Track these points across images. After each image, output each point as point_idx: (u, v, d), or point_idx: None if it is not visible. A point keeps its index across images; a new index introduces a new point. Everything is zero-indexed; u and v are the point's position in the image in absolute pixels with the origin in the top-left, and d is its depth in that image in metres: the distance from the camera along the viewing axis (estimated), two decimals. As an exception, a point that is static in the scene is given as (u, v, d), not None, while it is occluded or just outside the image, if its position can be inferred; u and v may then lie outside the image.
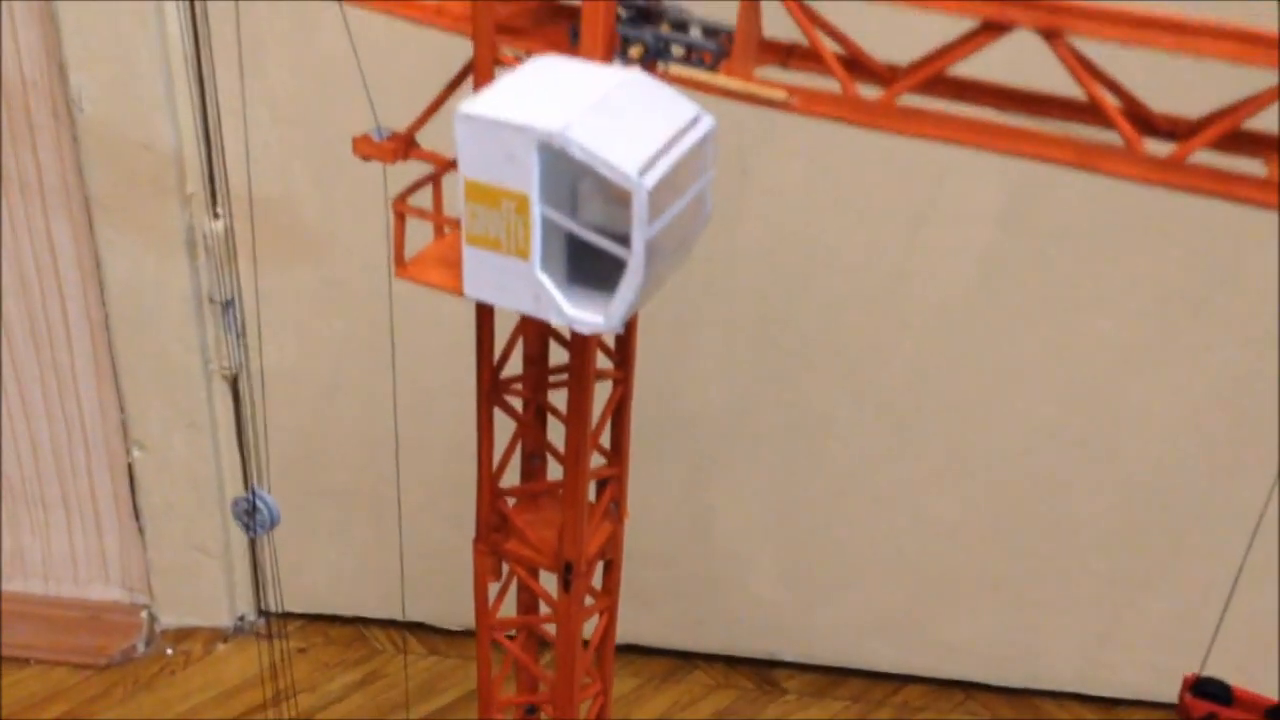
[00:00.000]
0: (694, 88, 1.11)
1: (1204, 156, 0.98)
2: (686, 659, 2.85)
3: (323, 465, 2.68)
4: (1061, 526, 2.58)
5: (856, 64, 1.08)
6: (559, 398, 1.40)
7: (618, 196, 1.02)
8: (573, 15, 1.15)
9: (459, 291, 1.13)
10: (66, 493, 2.78)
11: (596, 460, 1.43)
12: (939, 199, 2.26)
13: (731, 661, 2.85)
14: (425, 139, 1.31)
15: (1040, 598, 2.67)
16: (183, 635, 2.87)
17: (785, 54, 1.13)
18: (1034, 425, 2.47)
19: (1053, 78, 1.01)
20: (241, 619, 2.89)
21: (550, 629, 1.52)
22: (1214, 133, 0.97)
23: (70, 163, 2.40)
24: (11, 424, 2.69)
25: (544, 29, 1.17)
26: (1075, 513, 2.56)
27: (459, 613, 2.74)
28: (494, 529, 1.47)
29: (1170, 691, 2.66)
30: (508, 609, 1.57)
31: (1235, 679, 2.58)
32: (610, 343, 1.39)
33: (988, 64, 1.03)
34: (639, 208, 1.00)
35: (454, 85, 1.25)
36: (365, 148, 1.30)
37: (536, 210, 1.04)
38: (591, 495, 1.44)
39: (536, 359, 1.42)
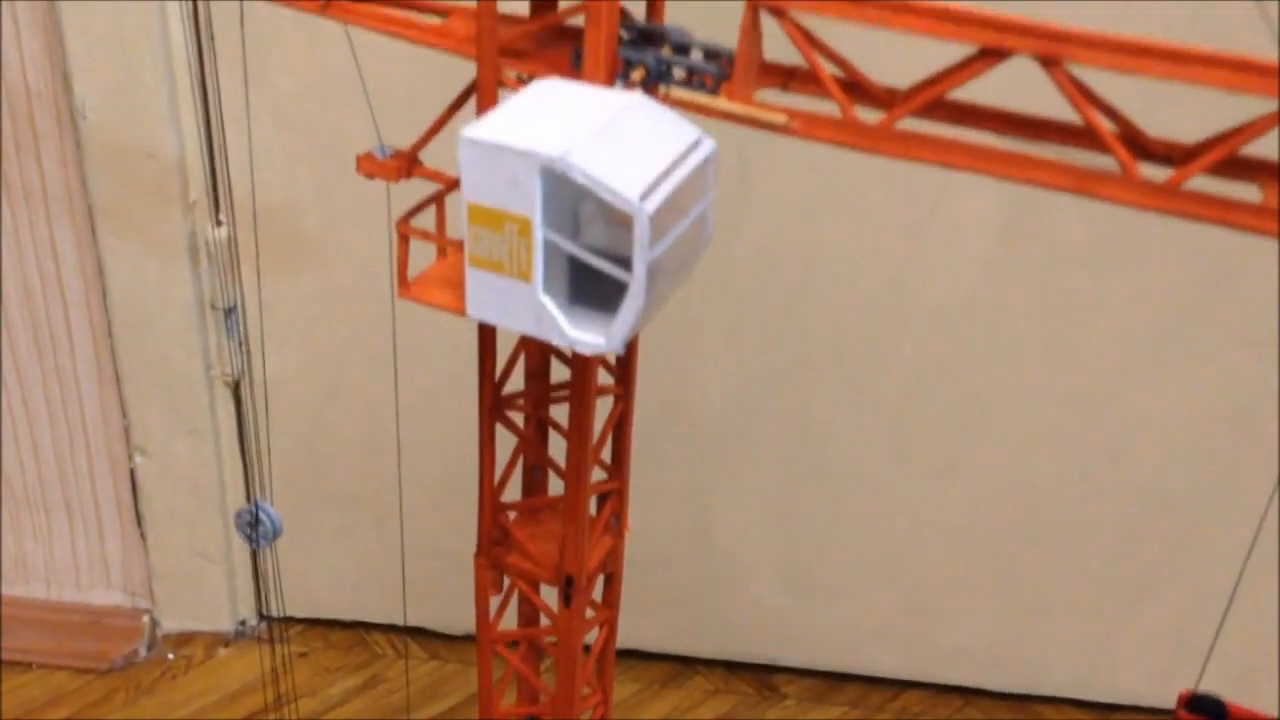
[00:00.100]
0: (695, 111, 1.11)
1: (1200, 182, 0.99)
2: (686, 664, 2.86)
3: (324, 470, 2.69)
4: (1060, 533, 2.58)
5: (856, 87, 1.09)
6: (560, 412, 1.41)
7: (620, 219, 1.03)
8: (575, 37, 1.15)
9: (462, 312, 1.14)
10: (69, 497, 2.79)
11: (597, 474, 1.44)
12: (940, 206, 2.26)
13: (731, 666, 2.86)
14: (428, 156, 1.32)
15: (1039, 604, 2.68)
16: (184, 640, 2.88)
17: (786, 77, 1.13)
18: (1033, 431, 2.48)
19: (1052, 102, 1.02)
20: (243, 624, 2.90)
21: (551, 640, 1.53)
22: (1210, 159, 0.98)
23: (74, 170, 2.41)
24: (14, 429, 2.70)
25: (546, 51, 1.18)
26: (1074, 519, 2.56)
27: (460, 618, 2.75)
28: (495, 542, 1.48)
29: (1168, 698, 2.68)
30: (509, 619, 1.58)
31: (1234, 686, 2.59)
32: (611, 359, 1.40)
33: (986, 88, 1.04)
34: (640, 232, 1.01)
35: (456, 105, 1.26)
36: (368, 166, 1.31)
37: (539, 233, 1.05)
38: (592, 509, 1.45)
39: (538, 374, 1.43)
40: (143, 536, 2.79)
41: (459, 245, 1.12)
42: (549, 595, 1.49)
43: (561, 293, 1.09)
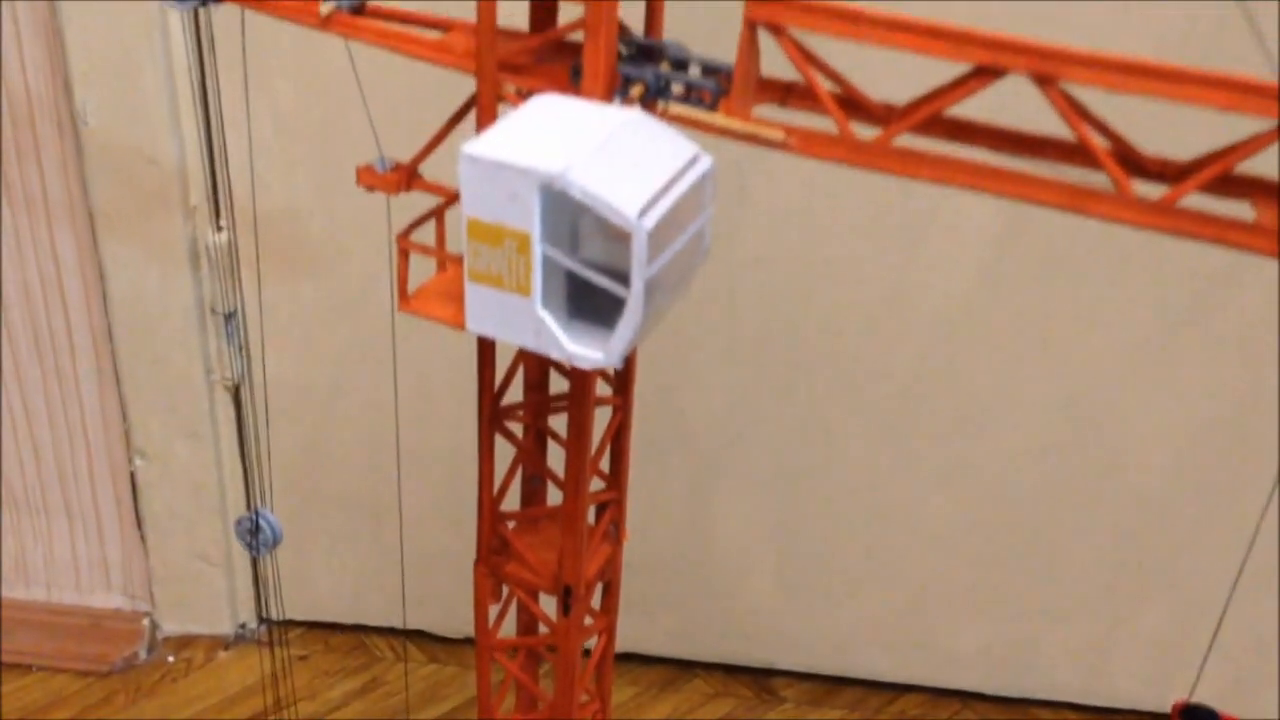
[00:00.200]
0: (693, 126, 1.12)
1: (1194, 199, 1.00)
2: (685, 667, 2.87)
3: (324, 474, 2.70)
4: (1058, 538, 2.59)
5: (853, 103, 1.10)
6: (559, 422, 1.42)
7: (618, 235, 1.03)
8: (574, 52, 1.16)
9: (461, 326, 1.14)
10: (69, 500, 2.80)
11: (596, 484, 1.45)
12: (938, 212, 2.27)
13: (730, 670, 2.86)
14: (428, 168, 1.33)
15: (1036, 608, 2.69)
16: (184, 642, 2.88)
17: (783, 92, 1.14)
18: (1031, 437, 2.49)
19: (1048, 118, 1.03)
20: (243, 626, 2.91)
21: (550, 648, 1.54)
22: (1204, 177, 0.98)
23: (74, 175, 2.41)
24: (15, 432, 2.71)
25: (545, 66, 1.19)
26: (1072, 524, 2.57)
27: (459, 621, 2.76)
28: (494, 552, 1.49)
29: (1165, 702, 2.69)
30: (508, 625, 1.59)
31: (1231, 690, 2.60)
32: (610, 370, 1.41)
33: (984, 104, 1.04)
34: (638, 248, 1.01)
35: (456, 119, 1.26)
36: (368, 178, 1.31)
37: (538, 249, 1.05)
38: (590, 518, 1.46)
39: (537, 385, 1.43)
40: (143, 539, 2.80)
41: (458, 259, 1.13)
42: (548, 603, 1.50)
43: (560, 307, 1.10)
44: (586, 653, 1.58)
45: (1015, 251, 2.29)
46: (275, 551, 2.03)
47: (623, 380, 1.42)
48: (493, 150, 1.04)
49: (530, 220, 1.04)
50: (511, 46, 1.18)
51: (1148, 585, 2.61)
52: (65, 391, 2.66)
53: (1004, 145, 1.09)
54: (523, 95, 1.17)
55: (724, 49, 1.14)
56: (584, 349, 1.09)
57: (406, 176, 1.30)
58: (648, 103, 1.14)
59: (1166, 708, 2.67)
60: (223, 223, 2.37)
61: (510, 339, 1.13)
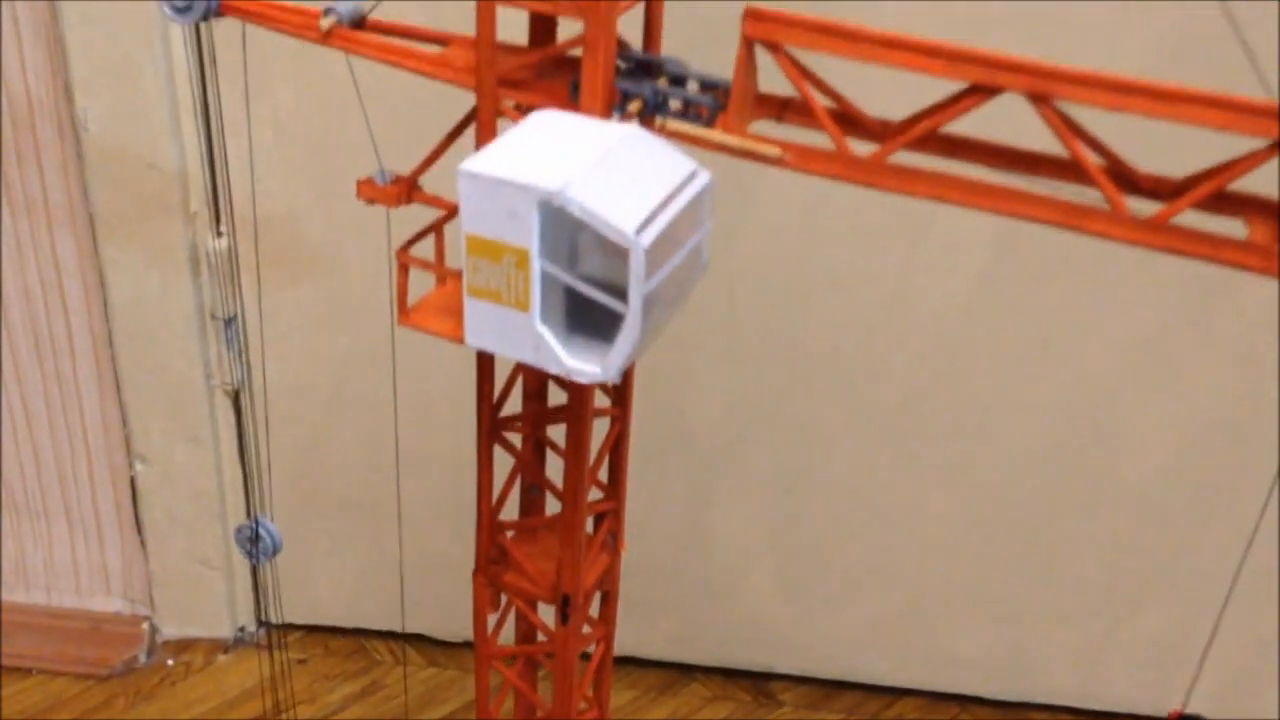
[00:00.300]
0: (691, 142, 1.13)
1: (1188, 216, 1.01)
2: (684, 671, 2.87)
3: (324, 478, 2.70)
4: (1056, 542, 2.60)
5: (849, 119, 1.11)
6: (558, 432, 1.43)
7: (616, 250, 1.04)
8: (573, 67, 1.17)
9: (461, 340, 1.15)
10: (69, 504, 2.80)
11: (594, 494, 1.45)
12: (937, 215, 2.27)
13: (729, 673, 2.87)
14: (427, 180, 1.34)
15: (1035, 612, 2.69)
16: (184, 646, 2.89)
17: (780, 108, 1.15)
18: (1030, 440, 2.49)
19: (1044, 133, 1.04)
20: (242, 630, 2.91)
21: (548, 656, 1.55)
22: (1197, 195, 0.99)
23: (75, 181, 2.42)
24: (15, 436, 2.72)
25: (545, 81, 1.20)
26: (1070, 528, 2.58)
27: (458, 625, 2.77)
28: (493, 561, 1.49)
29: (1162, 706, 2.69)
30: (506, 631, 1.60)
31: (1227, 694, 2.61)
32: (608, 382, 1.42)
33: (980, 120, 1.05)
34: (636, 265, 1.02)
35: (455, 133, 1.27)
36: (368, 191, 1.32)
37: (536, 265, 1.06)
38: (589, 527, 1.47)
39: (535, 395, 1.44)
40: (143, 543, 2.80)
41: (458, 273, 1.13)
42: (546, 612, 1.51)
43: (558, 322, 1.11)
44: (585, 656, 1.59)
45: (1014, 254, 2.29)
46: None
47: (621, 392, 1.43)
48: (492, 167, 1.05)
49: (529, 236, 1.05)
50: (511, 62, 1.19)
51: (1146, 588, 2.62)
52: (65, 396, 2.66)
53: (1000, 162, 1.10)
54: (522, 110, 1.18)
55: (722, 62, 1.15)
56: (582, 364, 1.10)
57: (406, 189, 1.31)
58: (646, 118, 1.15)
59: (1164, 712, 2.68)
60: (223, 228, 2.38)
61: (509, 354, 1.13)
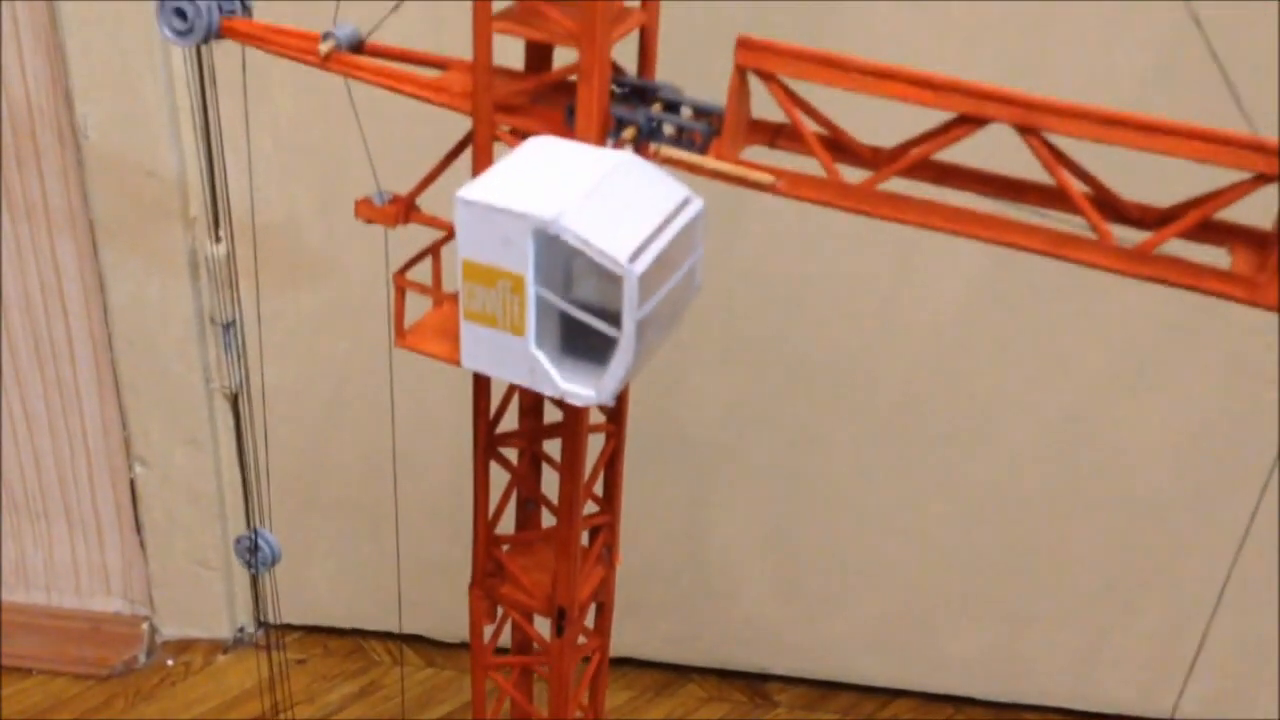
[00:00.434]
0: (685, 169, 1.14)
1: (1172, 243, 1.02)
2: (680, 672, 2.88)
3: (322, 481, 2.72)
4: (1051, 544, 2.61)
5: (840, 146, 1.12)
6: (553, 446, 1.44)
7: (610, 276, 1.06)
8: (569, 91, 1.18)
9: (457, 362, 1.17)
10: (69, 506, 2.82)
11: (590, 508, 1.47)
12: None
13: (724, 675, 2.88)
14: (424, 200, 1.35)
15: (1029, 614, 2.71)
16: (183, 646, 2.90)
17: (773, 134, 1.17)
18: (1024, 445, 2.50)
19: (1033, 160, 1.05)
20: (241, 630, 2.93)
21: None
22: (1183, 225, 1.01)
23: (75, 186, 2.43)
24: (16, 438, 2.73)
25: (540, 107, 1.21)
26: (1065, 530, 2.59)
27: (455, 626, 2.78)
28: (489, 574, 1.51)
29: (1156, 707, 2.71)
30: (504, 636, 1.62)
31: (1220, 695, 2.63)
32: (603, 399, 1.43)
33: (971, 147, 1.07)
34: (629, 292, 1.04)
35: (452, 156, 1.28)
36: (366, 211, 1.34)
37: (531, 291, 1.08)
38: (584, 540, 1.48)
39: (531, 412, 1.46)
40: (142, 544, 2.82)
41: (454, 296, 1.15)
42: (542, 624, 1.52)
43: (553, 345, 1.13)
44: (586, 659, 1.60)
45: (1009, 259, 2.28)
46: (273, 557, 2.05)
47: (616, 409, 1.45)
48: (488, 195, 1.07)
49: (524, 263, 1.06)
50: (507, 88, 1.20)
51: (1139, 591, 2.63)
52: (66, 399, 2.68)
53: (989, 189, 1.11)
54: (517, 135, 1.19)
55: (717, 84, 1.16)
56: (577, 387, 1.12)
57: (404, 210, 1.32)
58: (640, 145, 1.16)
59: (1156, 712, 2.70)
60: (221, 234, 2.39)
61: (505, 376, 1.15)
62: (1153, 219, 1.06)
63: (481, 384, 1.36)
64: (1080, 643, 2.73)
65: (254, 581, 2.87)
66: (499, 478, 1.48)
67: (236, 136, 1.98)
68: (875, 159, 1.11)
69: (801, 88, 1.10)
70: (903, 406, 2.50)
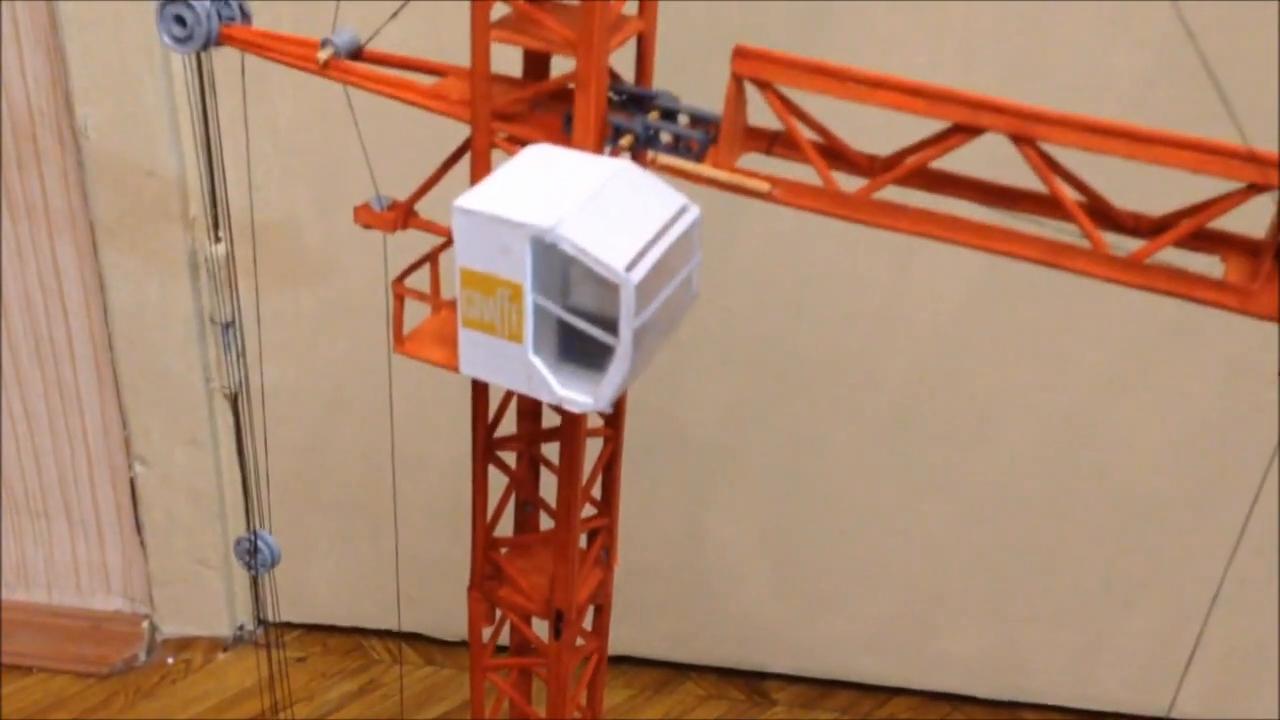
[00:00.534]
0: (681, 176, 1.15)
1: (1165, 251, 1.03)
2: (679, 670, 2.89)
3: (322, 479, 2.72)
4: (1047, 544, 2.62)
5: (836, 154, 1.13)
6: (552, 449, 1.45)
7: (608, 284, 1.06)
8: (567, 99, 1.19)
9: (455, 368, 1.17)
10: (70, 505, 2.82)
11: (588, 511, 1.48)
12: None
13: (723, 673, 2.89)
14: (423, 205, 1.36)
15: (1026, 613, 2.71)
16: (183, 644, 2.91)
17: (770, 141, 1.17)
18: (1022, 445, 2.51)
19: (1028, 169, 1.06)
20: (241, 629, 2.93)
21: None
22: (1176, 234, 1.02)
23: (75, 187, 2.44)
24: (16, 438, 2.74)
25: (538, 114, 1.22)
26: (1060, 531, 2.59)
27: (455, 624, 2.78)
28: (488, 577, 1.52)
29: (1152, 705, 2.72)
30: (503, 636, 1.62)
31: (1216, 693, 2.64)
32: (600, 403, 1.44)
33: (967, 155, 1.07)
34: (626, 300, 1.04)
35: (450, 163, 1.29)
36: (365, 217, 1.34)
37: (529, 299, 1.08)
38: (582, 543, 1.49)
39: (530, 415, 1.46)
40: (142, 543, 2.83)
41: (453, 302, 1.16)
42: (540, 626, 1.53)
43: (551, 353, 1.13)
44: (586, 659, 1.61)
45: (1007, 262, 2.30)
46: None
47: (614, 413, 1.45)
48: (485, 204, 1.07)
49: (522, 272, 1.07)
50: (505, 96, 1.21)
51: (1137, 589, 2.64)
52: (66, 398, 2.68)
53: (983, 197, 1.12)
54: (515, 142, 1.20)
55: (713, 90, 1.17)
56: (575, 394, 1.12)
57: (403, 215, 1.33)
58: (637, 152, 1.17)
59: (1153, 710, 2.71)
60: (221, 234, 2.40)
61: (503, 383, 1.16)
62: (1147, 227, 1.06)
63: (480, 388, 1.37)
64: (1078, 641, 2.73)
65: (254, 580, 2.88)
66: (497, 481, 1.49)
67: (236, 137, 1.99)
68: (871, 167, 1.12)
69: (798, 95, 1.10)
70: (900, 406, 2.50)
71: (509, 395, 1.43)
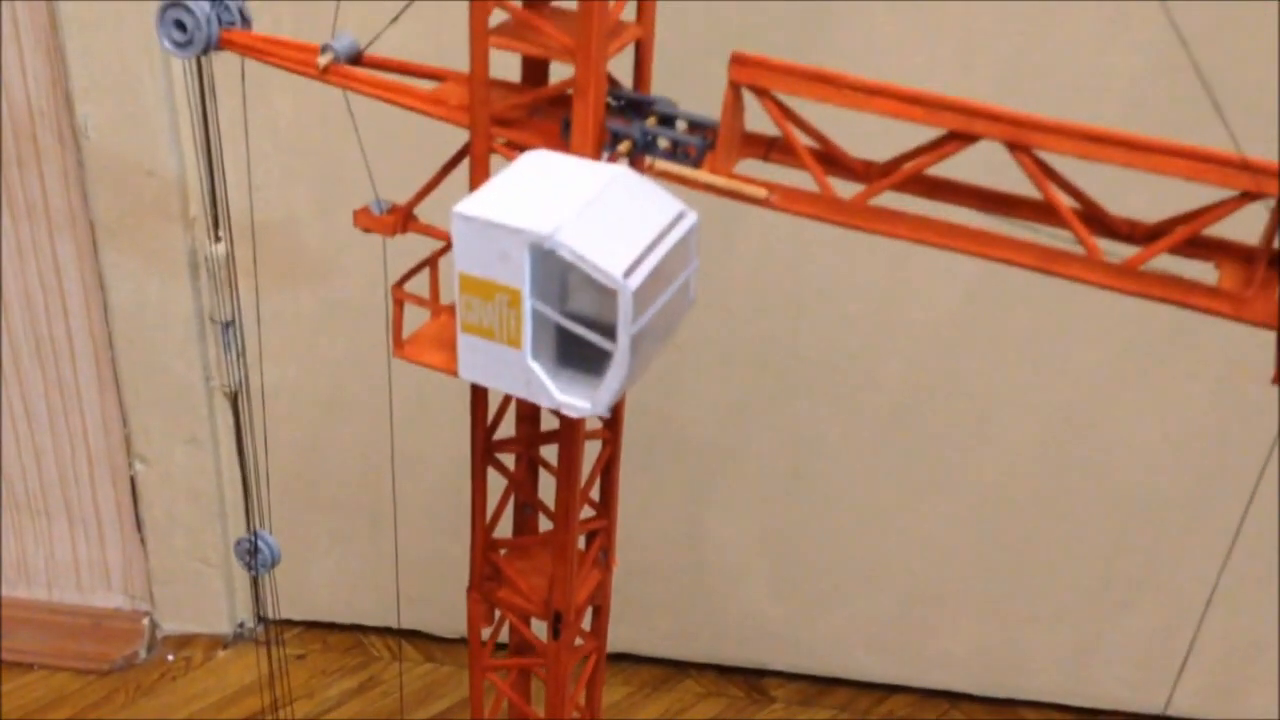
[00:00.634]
0: (679, 182, 1.16)
1: (1159, 258, 1.03)
2: (678, 668, 2.90)
3: (322, 477, 2.73)
4: (1044, 543, 2.62)
5: (832, 160, 1.14)
6: (550, 451, 1.45)
7: (606, 290, 1.07)
8: (565, 104, 1.19)
9: (454, 373, 1.18)
10: (70, 503, 2.83)
11: (586, 512, 1.48)
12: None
13: (722, 670, 2.90)
14: (423, 209, 1.36)
15: (1023, 611, 2.72)
16: (183, 642, 2.92)
17: (767, 147, 1.18)
18: (1020, 445, 2.51)
19: (1023, 176, 1.06)
20: (241, 626, 2.94)
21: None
22: (1171, 241, 1.02)
23: (75, 187, 2.44)
24: (17, 437, 2.74)
25: (537, 120, 1.22)
26: (1058, 530, 2.60)
27: (454, 621, 2.79)
28: (487, 578, 1.52)
29: (1149, 703, 2.73)
30: (501, 636, 1.63)
31: (1212, 690, 2.64)
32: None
33: (963, 161, 1.08)
34: (624, 306, 1.05)
35: (449, 167, 1.30)
36: (365, 220, 1.35)
37: (528, 304, 1.09)
38: (581, 544, 1.50)
39: (528, 418, 1.47)
40: (143, 541, 2.83)
41: (452, 307, 1.16)
42: (539, 627, 1.53)
43: (549, 358, 1.14)
44: (585, 658, 1.62)
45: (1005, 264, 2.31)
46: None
47: (612, 416, 1.46)
48: (484, 210, 1.08)
49: (521, 277, 1.08)
50: (504, 101, 1.21)
51: (1134, 588, 2.64)
52: (66, 397, 2.69)
53: (979, 203, 1.12)
54: (514, 148, 1.20)
55: (711, 96, 1.17)
56: (573, 398, 1.13)
57: (402, 219, 1.34)
58: (635, 158, 1.18)
59: (1150, 708, 2.71)
60: (221, 234, 2.40)
61: (501, 387, 1.16)
62: (1141, 234, 1.07)
63: (479, 392, 1.37)
64: (1075, 639, 2.74)
65: (254, 578, 2.88)
66: (496, 482, 1.49)
67: (236, 138, 1.99)
68: (868, 173, 1.13)
69: (795, 102, 1.11)
70: (899, 407, 2.51)
71: (508, 398, 1.44)
